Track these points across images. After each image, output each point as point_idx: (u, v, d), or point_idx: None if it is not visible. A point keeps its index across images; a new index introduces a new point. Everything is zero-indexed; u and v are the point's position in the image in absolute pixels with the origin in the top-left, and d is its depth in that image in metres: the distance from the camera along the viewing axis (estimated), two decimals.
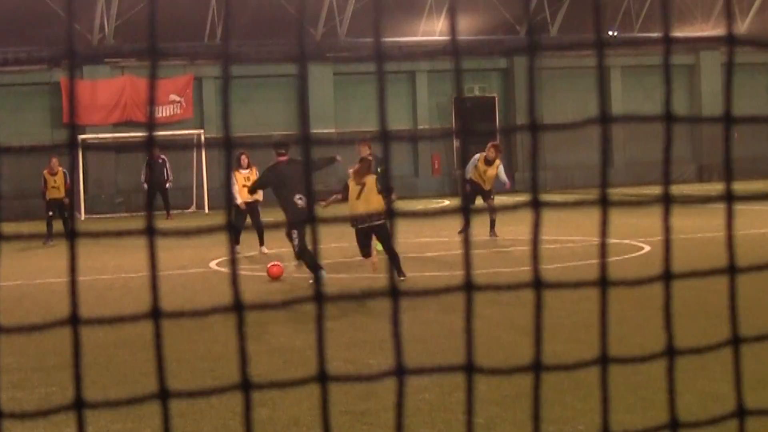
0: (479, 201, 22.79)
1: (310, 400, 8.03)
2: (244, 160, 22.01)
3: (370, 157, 16.99)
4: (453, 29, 2.32)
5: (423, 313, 12.13)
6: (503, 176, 23.42)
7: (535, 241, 2.35)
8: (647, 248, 18.94)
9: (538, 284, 2.39)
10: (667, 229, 2.49)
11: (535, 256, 2.36)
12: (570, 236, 20.80)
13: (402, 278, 15.65)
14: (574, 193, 37.14)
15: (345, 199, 16.01)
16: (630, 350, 9.37)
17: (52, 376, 9.77)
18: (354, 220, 15.34)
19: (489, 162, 23.17)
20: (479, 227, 21.15)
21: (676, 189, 32.48)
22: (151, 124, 2.17)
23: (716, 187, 37.32)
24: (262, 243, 21.44)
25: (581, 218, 20.99)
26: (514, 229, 22.51)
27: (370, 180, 15.88)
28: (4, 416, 2.15)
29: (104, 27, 39.62)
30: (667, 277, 2.50)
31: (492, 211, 21.86)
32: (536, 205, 2.35)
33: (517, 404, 7.85)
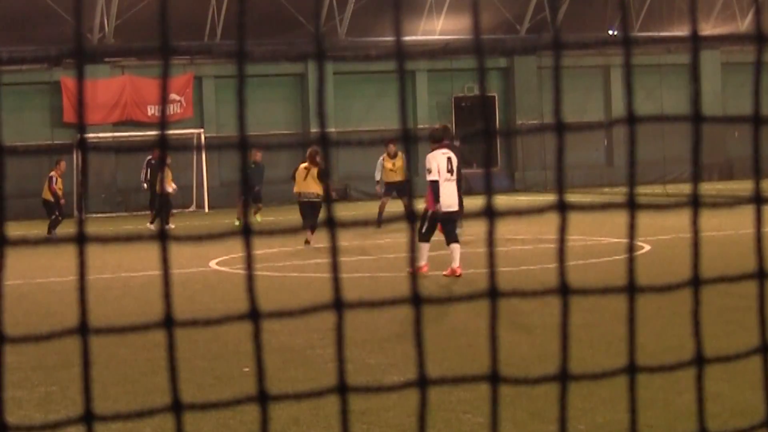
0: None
1: (309, 399, 7.99)
2: None
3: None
4: (476, 26, 2.31)
5: (424, 312, 12.10)
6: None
7: (561, 248, 2.32)
8: (647, 247, 18.90)
9: (564, 290, 2.35)
10: (695, 233, 2.46)
11: (562, 261, 2.34)
12: (569, 235, 20.77)
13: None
14: (575, 193, 37.11)
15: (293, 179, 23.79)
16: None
17: (52, 375, 9.76)
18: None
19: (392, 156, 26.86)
20: (473, 227, 21.13)
21: (677, 188, 32.26)
22: (161, 123, 2.18)
23: (716, 186, 37.29)
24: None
25: (580, 217, 20.93)
26: (514, 228, 22.51)
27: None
28: (9, 429, 2.14)
29: (104, 26, 39.61)
30: (696, 282, 2.46)
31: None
32: (562, 208, 2.31)
33: (517, 403, 7.85)
